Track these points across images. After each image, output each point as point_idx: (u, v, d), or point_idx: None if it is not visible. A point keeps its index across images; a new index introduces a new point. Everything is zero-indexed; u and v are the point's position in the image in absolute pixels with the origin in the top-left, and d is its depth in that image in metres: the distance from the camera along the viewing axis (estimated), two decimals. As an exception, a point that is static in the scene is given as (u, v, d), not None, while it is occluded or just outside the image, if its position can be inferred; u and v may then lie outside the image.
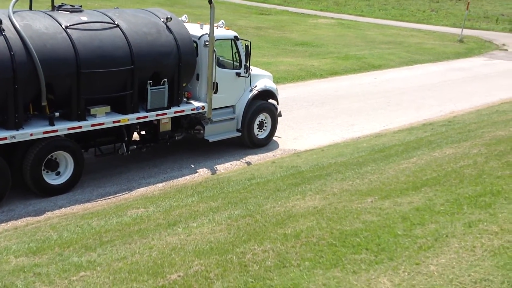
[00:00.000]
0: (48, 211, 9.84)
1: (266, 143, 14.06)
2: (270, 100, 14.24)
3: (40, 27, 10.09)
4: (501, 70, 26.14)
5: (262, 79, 13.99)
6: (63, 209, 9.97)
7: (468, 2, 38.89)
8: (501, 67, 26.83)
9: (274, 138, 14.35)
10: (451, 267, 4.85)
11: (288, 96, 18.58)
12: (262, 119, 13.83)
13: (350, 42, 32.74)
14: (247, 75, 13.22)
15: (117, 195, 10.70)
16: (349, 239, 5.48)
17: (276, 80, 20.70)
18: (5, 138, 9.58)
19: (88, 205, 10.22)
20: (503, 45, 35.19)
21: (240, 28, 34.90)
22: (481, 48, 33.40)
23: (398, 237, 5.40)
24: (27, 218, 9.52)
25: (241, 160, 12.97)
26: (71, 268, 5.99)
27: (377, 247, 5.20)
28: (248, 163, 12.81)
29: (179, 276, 5.44)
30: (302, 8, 53.40)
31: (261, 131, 13.92)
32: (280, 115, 14.44)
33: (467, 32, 38.26)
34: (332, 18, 46.37)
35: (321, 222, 6.22)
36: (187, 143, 13.49)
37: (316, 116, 16.73)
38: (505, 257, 4.80)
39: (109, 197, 10.57)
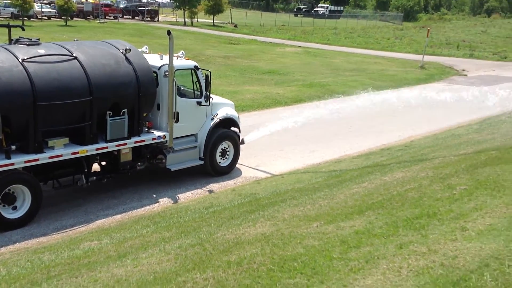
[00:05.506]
0: (1, 247, 9.73)
1: (229, 171, 14.19)
2: (232, 128, 14.43)
3: (-4, 61, 10.15)
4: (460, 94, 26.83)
5: (223, 108, 14.20)
6: (17, 244, 9.85)
7: (428, 30, 40.19)
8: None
9: (237, 165, 14.48)
10: (375, 288, 5.04)
11: (252, 124, 18.79)
12: (224, 147, 13.99)
13: (315, 70, 33.35)
14: (208, 103, 13.41)
15: (74, 228, 10.65)
16: (287, 264, 5.64)
17: (242, 108, 20.99)
18: (-40, 172, 9.55)
19: (43, 239, 10.12)
20: (463, 70, 36.22)
21: (208, 58, 35.29)
22: (442, 73, 34.29)
23: (333, 260, 5.58)
24: (-20, 254, 9.41)
25: (202, 188, 13.08)
26: (14, 304, 5.99)
27: (311, 270, 5.37)
28: (210, 191, 12.92)
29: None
30: (271, 37, 54.25)
31: (224, 159, 14.07)
32: (243, 142, 14.63)
33: (429, 58, 39.29)
34: (299, 46, 47.21)
35: (265, 248, 6.37)
36: (149, 173, 13.54)
37: (279, 143, 16.96)
38: (427, 277, 5.00)
39: (65, 231, 10.51)
